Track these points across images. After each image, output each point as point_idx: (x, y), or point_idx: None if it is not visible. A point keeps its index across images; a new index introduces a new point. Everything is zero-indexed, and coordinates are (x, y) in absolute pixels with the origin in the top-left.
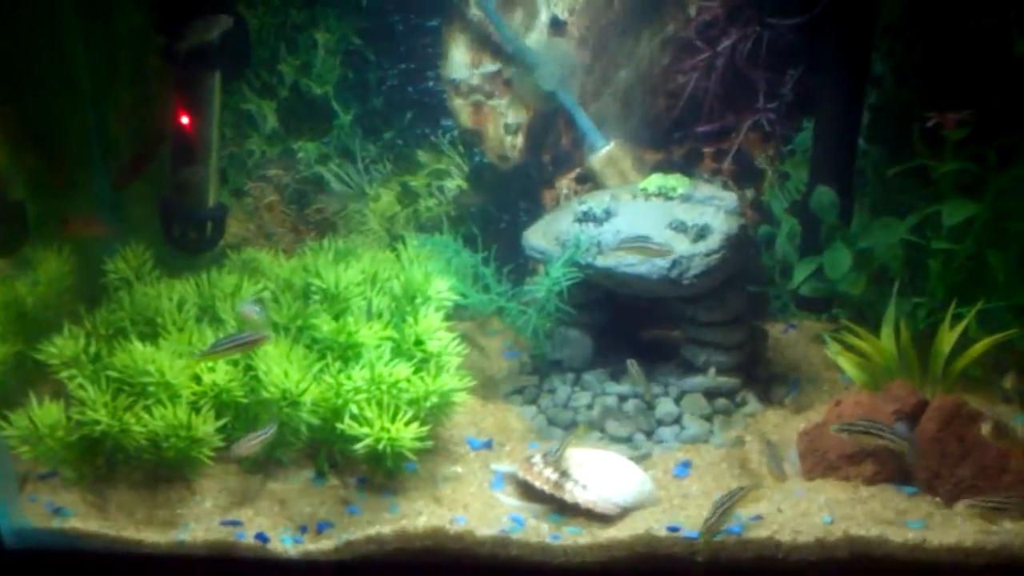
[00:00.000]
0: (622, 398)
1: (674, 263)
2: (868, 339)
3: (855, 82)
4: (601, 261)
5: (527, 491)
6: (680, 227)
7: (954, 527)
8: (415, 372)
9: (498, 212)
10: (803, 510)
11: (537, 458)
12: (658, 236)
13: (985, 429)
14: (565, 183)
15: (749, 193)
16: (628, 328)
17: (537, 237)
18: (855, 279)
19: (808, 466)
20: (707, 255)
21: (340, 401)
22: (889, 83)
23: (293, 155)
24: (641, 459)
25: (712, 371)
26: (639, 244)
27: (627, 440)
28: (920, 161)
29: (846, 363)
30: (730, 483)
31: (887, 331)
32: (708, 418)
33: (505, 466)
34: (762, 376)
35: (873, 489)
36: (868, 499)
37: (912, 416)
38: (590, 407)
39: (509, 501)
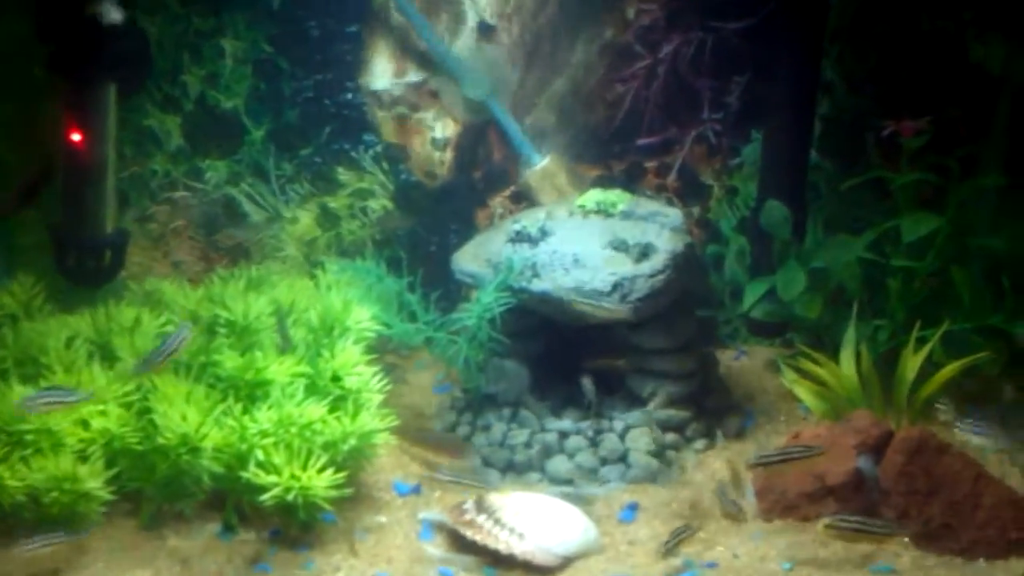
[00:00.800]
0: (563, 434)
1: (615, 286)
2: (826, 365)
3: (805, 90)
4: (537, 285)
5: (458, 541)
6: (621, 246)
7: (925, 570)
8: (331, 412)
9: (427, 234)
10: (761, 555)
11: (469, 504)
12: (596, 256)
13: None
14: (499, 202)
15: (695, 210)
16: (568, 358)
17: (467, 260)
18: (810, 301)
19: (766, 505)
20: (651, 276)
21: (245, 446)
22: (841, 91)
23: (201, 175)
24: (584, 502)
25: (655, 402)
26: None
27: (569, 481)
28: (876, 173)
29: (803, 392)
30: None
31: (847, 356)
32: (657, 455)
33: (434, 514)
34: (713, 408)
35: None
36: (830, 541)
37: (876, 449)
38: (528, 445)
39: (438, 553)
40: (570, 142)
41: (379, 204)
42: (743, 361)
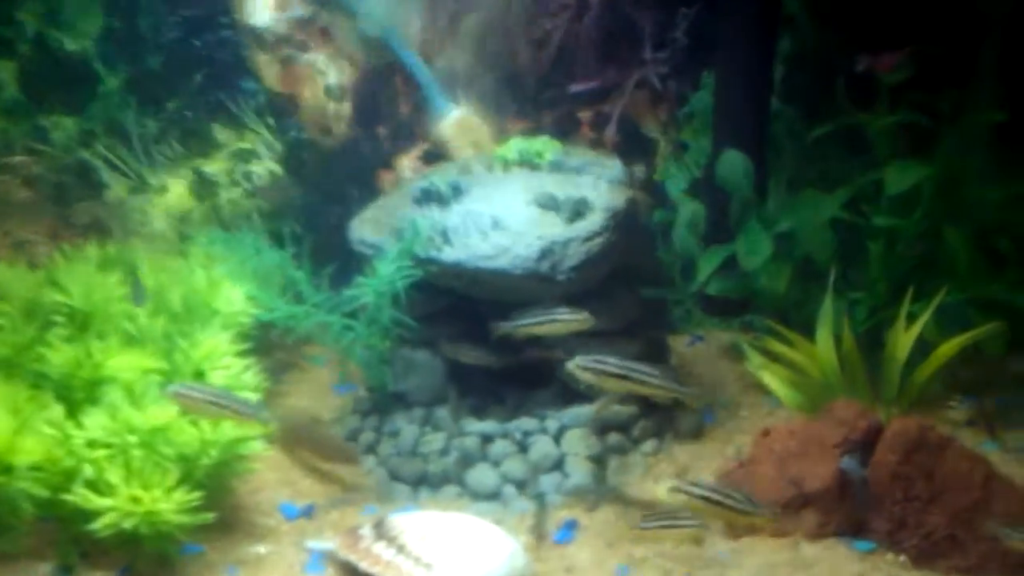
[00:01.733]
0: (486, 439)
1: (544, 252)
2: (800, 346)
3: (764, 24)
4: (448, 254)
5: (349, 573)
6: (550, 203)
7: None
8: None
9: (322, 203)
10: None
11: (366, 529)
12: (520, 216)
13: None
14: (408, 162)
15: (638, 170)
16: (491, 346)
17: (367, 228)
18: (776, 271)
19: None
20: (587, 239)
21: (73, 461)
22: (805, 25)
23: (45, 135)
24: (511, 522)
25: (602, 401)
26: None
27: (493, 496)
28: (848, 119)
29: (773, 380)
30: (631, 550)
31: (824, 334)
32: (599, 460)
33: (324, 542)
34: (663, 404)
35: (818, 547)
36: (812, 561)
37: (863, 446)
38: (444, 453)
39: None
40: (490, 90)
41: (264, 168)
42: (698, 348)
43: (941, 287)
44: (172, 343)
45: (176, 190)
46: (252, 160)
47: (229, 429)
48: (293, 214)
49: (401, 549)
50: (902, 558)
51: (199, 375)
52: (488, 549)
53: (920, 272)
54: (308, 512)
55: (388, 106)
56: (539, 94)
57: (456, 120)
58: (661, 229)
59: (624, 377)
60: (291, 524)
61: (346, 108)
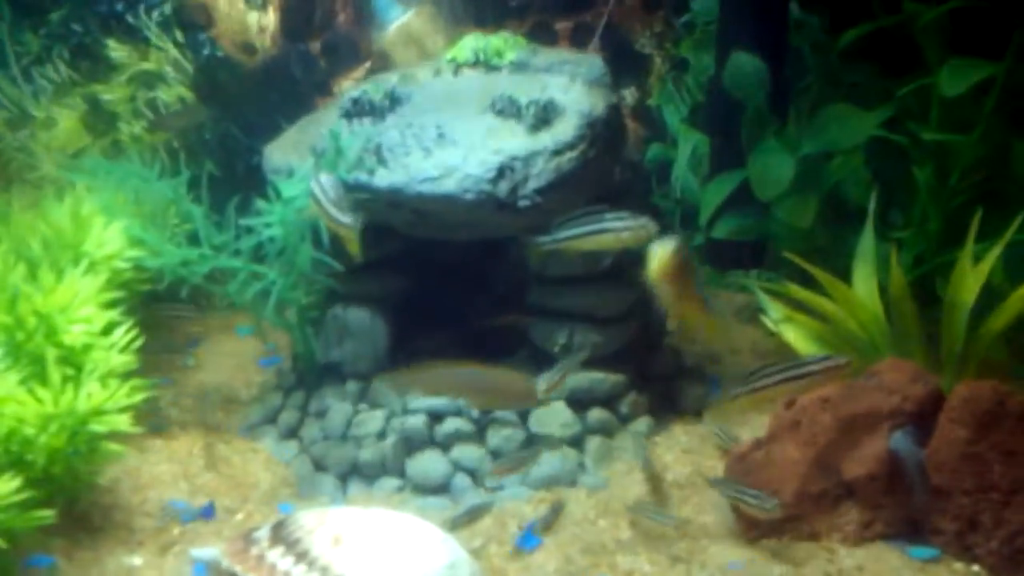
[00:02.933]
0: (436, 417)
1: (501, 171)
2: (835, 291)
3: None
4: (382, 177)
5: None
6: (509, 109)
7: None
8: (23, 382)
9: (245, 136)
10: None
11: (263, 532)
12: (472, 127)
13: None
14: (351, 85)
15: (628, 94)
16: (446, 304)
17: (284, 151)
18: (799, 204)
19: (748, 517)
20: (557, 153)
21: None
22: None
23: None
24: (463, 522)
25: (576, 356)
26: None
27: (441, 488)
28: (887, 20)
29: (797, 337)
30: (615, 559)
31: (865, 274)
32: (576, 443)
33: (212, 550)
34: (661, 373)
35: (861, 553)
36: (853, 573)
37: (921, 419)
38: (382, 436)
39: None
40: None
41: (173, 94)
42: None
43: (1010, 222)
44: (13, 291)
45: (66, 123)
46: (158, 85)
47: (82, 401)
48: (207, 151)
49: (303, 557)
50: (975, 568)
51: (51, 331)
52: (424, 557)
53: (982, 205)
54: (207, 513)
55: (323, 16)
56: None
57: (402, 28)
58: (657, 167)
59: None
60: (183, 528)
61: (271, 20)
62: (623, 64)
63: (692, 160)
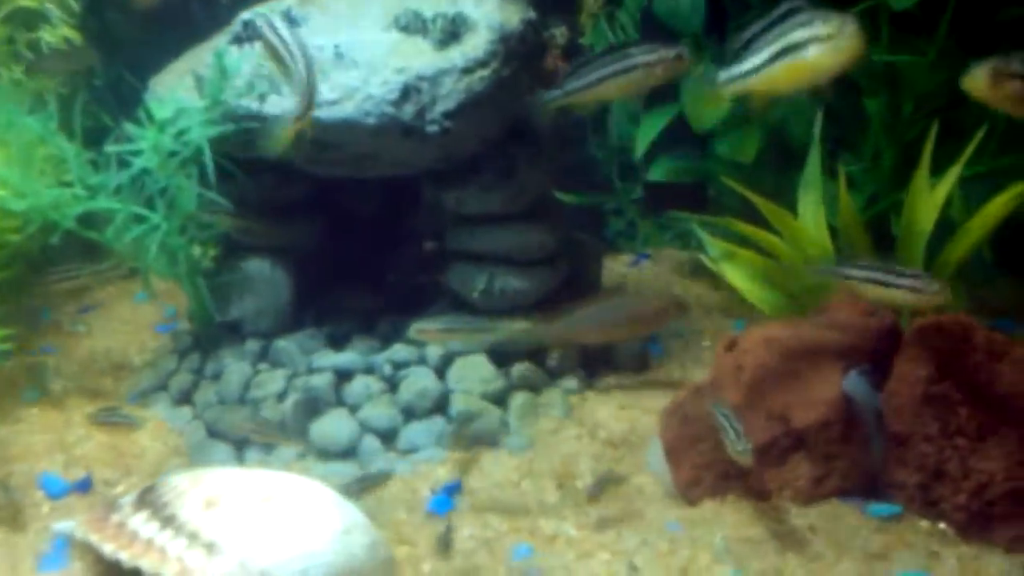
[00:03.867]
0: (343, 375)
1: (406, 91)
2: (781, 220)
3: None
4: (274, 104)
5: (107, 567)
6: (414, 24)
7: None
8: None
9: (140, 82)
10: (682, 566)
11: (128, 498)
12: (374, 45)
13: None
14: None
15: (559, 33)
16: (357, 256)
17: (170, 82)
18: (741, 139)
19: (686, 474)
20: (467, 72)
21: None
22: None
23: None
24: (367, 485)
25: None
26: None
27: (347, 453)
28: None
29: (737, 275)
30: (538, 523)
31: (811, 202)
32: (498, 399)
33: (73, 523)
34: None
35: (813, 512)
36: (805, 535)
37: (877, 358)
38: (282, 396)
39: None
40: None
41: (58, 35)
42: (645, 267)
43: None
44: None
45: None
46: (40, 25)
47: None
48: (97, 98)
49: (169, 522)
50: (941, 526)
51: None
52: (314, 523)
53: (940, 138)
54: (84, 487)
55: None
56: None
57: None
58: (592, 117)
59: None
60: (55, 503)
61: None
62: (552, 0)
63: (629, 107)
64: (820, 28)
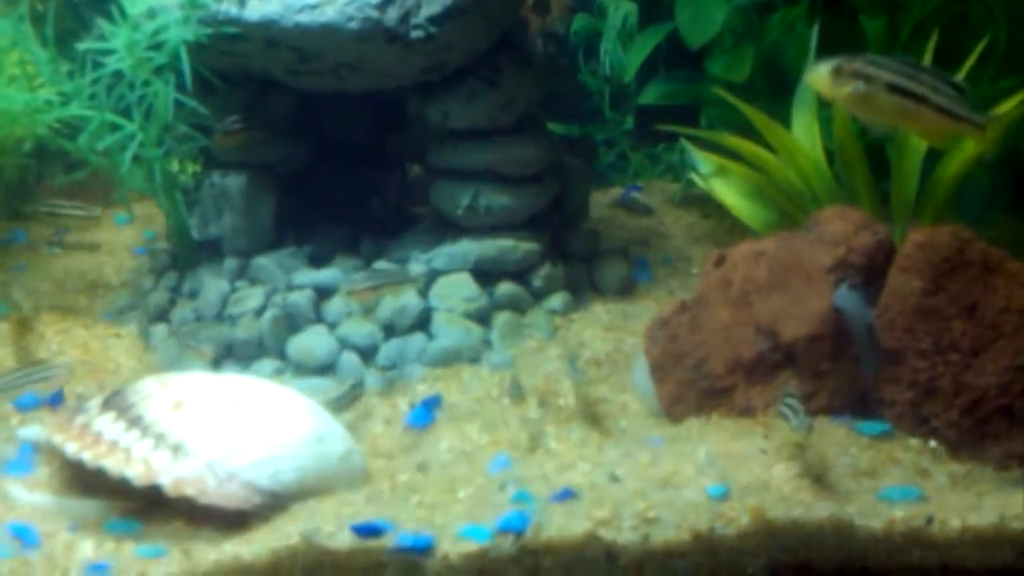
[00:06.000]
0: (323, 293)
1: None
2: (773, 134)
3: None
4: (253, 9)
5: (73, 471)
6: None
7: (979, 493)
8: None
9: None
10: (665, 477)
11: (95, 401)
12: None
13: None
14: None
15: None
16: (340, 178)
17: None
18: (735, 59)
19: (671, 392)
20: None
21: None
22: None
23: None
24: (347, 400)
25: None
26: None
27: (326, 368)
28: None
29: (728, 192)
30: (519, 437)
31: (804, 120)
32: (481, 318)
33: (39, 430)
34: (581, 251)
35: None
36: (794, 452)
37: (869, 272)
38: (260, 312)
39: (23, 497)
40: None
41: None
42: (635, 199)
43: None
44: None
45: None
46: None
47: None
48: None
49: (136, 423)
50: (932, 444)
51: None
52: (285, 426)
53: (939, 60)
54: (55, 400)
55: None
56: None
57: None
58: (584, 42)
59: None
60: (24, 415)
61: None
62: None
63: (622, 32)
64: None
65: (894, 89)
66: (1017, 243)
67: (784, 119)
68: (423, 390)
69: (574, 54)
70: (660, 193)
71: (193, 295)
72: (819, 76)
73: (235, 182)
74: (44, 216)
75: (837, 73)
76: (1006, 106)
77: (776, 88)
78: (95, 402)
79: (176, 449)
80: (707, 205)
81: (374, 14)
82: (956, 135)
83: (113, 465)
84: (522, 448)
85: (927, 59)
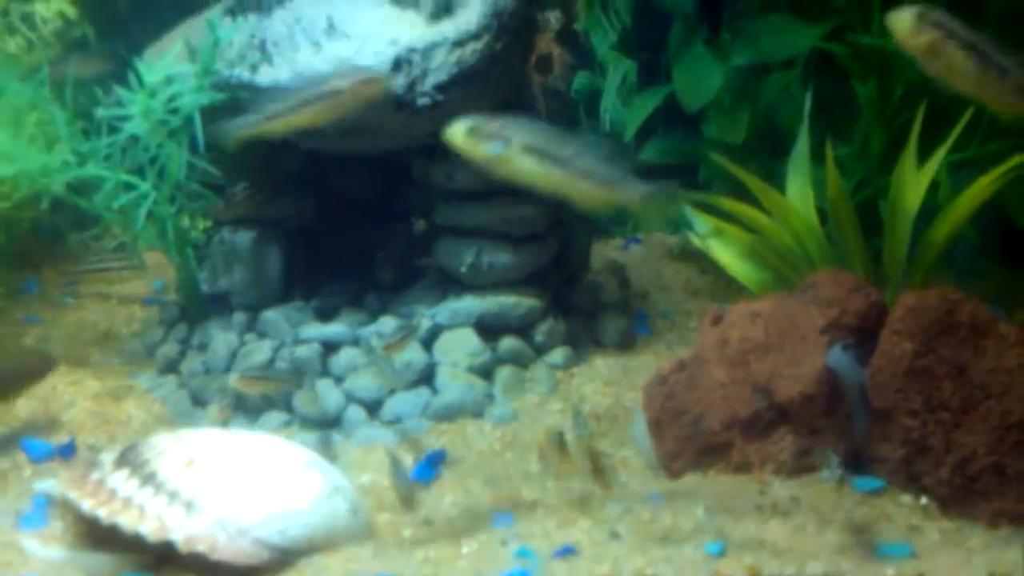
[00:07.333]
0: (330, 347)
1: (398, 63)
2: (768, 197)
3: None
4: (265, 74)
5: (86, 526)
6: None
7: (970, 550)
8: None
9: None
10: (664, 533)
11: (108, 456)
12: (367, 17)
13: None
14: None
15: (553, 18)
16: (348, 233)
17: (162, 49)
18: (731, 120)
19: (669, 447)
20: (458, 44)
21: None
22: None
23: None
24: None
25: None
26: None
27: (333, 422)
28: None
29: (724, 252)
30: (520, 493)
31: (799, 182)
32: (484, 373)
33: (54, 484)
34: (583, 306)
35: (796, 484)
36: (789, 506)
37: (861, 334)
38: (269, 366)
39: (40, 551)
40: None
41: (53, 9)
42: (635, 251)
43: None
44: None
45: None
46: None
47: None
48: (92, 69)
49: (149, 480)
50: (924, 500)
51: None
52: (295, 484)
53: (928, 125)
54: (67, 451)
55: None
56: None
57: None
58: (585, 97)
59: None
60: (36, 467)
61: None
62: None
63: (622, 89)
64: None
65: (975, 51)
66: (1006, 294)
67: (780, 176)
68: (428, 444)
69: (576, 111)
70: (659, 246)
71: (202, 348)
72: (901, 19)
73: (244, 238)
74: (93, 274)
75: (920, 19)
76: (996, 171)
77: (772, 146)
78: (109, 457)
79: (188, 506)
80: (705, 259)
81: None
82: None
83: (127, 522)
84: (524, 504)
85: (917, 124)
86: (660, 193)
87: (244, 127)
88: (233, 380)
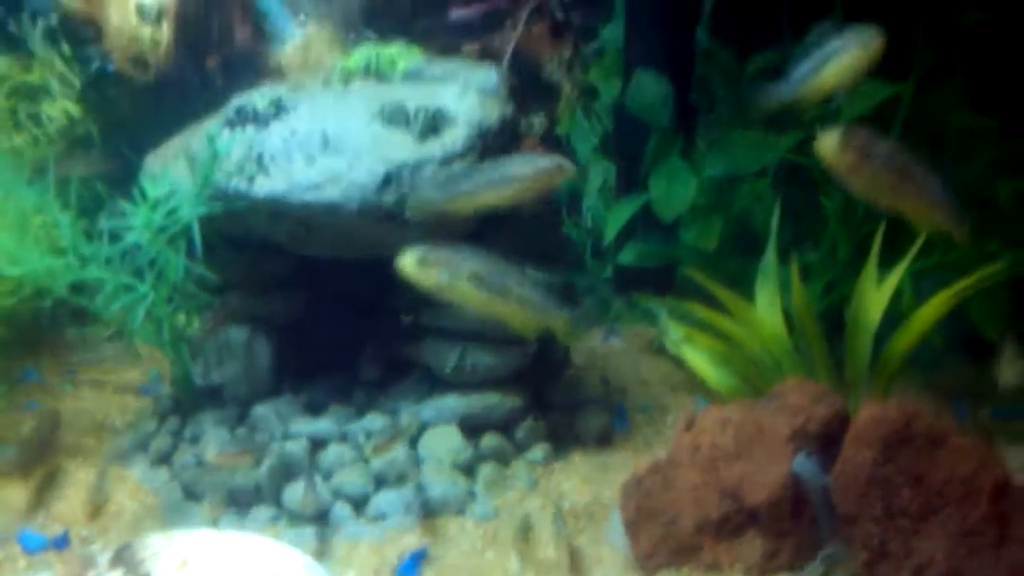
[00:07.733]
0: (317, 443)
1: (388, 179)
2: (738, 308)
3: None
4: (262, 185)
5: None
6: (398, 117)
7: None
8: None
9: (136, 156)
10: None
11: (103, 556)
12: (359, 134)
13: None
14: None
15: (537, 122)
16: (337, 328)
17: (164, 160)
18: (705, 227)
19: (644, 546)
20: (445, 162)
21: None
22: None
23: None
24: (333, 553)
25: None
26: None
27: (319, 518)
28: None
29: (696, 357)
30: None
31: (767, 294)
32: (467, 470)
33: None
34: (563, 402)
35: None
36: None
37: (825, 441)
38: (258, 461)
39: None
40: (347, 12)
41: (58, 108)
42: (614, 344)
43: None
44: None
45: None
46: (43, 98)
47: None
48: (94, 168)
49: None
50: None
51: None
52: None
53: (892, 234)
54: (61, 543)
55: (220, 31)
56: (411, 22)
57: (299, 46)
58: (567, 198)
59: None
60: (30, 559)
61: (166, 34)
62: (531, 91)
63: (603, 190)
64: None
65: (893, 167)
66: (973, 388)
67: (753, 276)
68: (410, 542)
69: (559, 210)
70: (637, 338)
71: (194, 440)
72: (828, 142)
73: (237, 335)
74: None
75: (844, 140)
76: (958, 284)
77: (745, 249)
78: (105, 557)
79: None
80: None
81: (373, 197)
82: (938, 225)
83: None
84: None
85: (876, 241)
86: (578, 319)
87: (429, 202)
88: (211, 455)
